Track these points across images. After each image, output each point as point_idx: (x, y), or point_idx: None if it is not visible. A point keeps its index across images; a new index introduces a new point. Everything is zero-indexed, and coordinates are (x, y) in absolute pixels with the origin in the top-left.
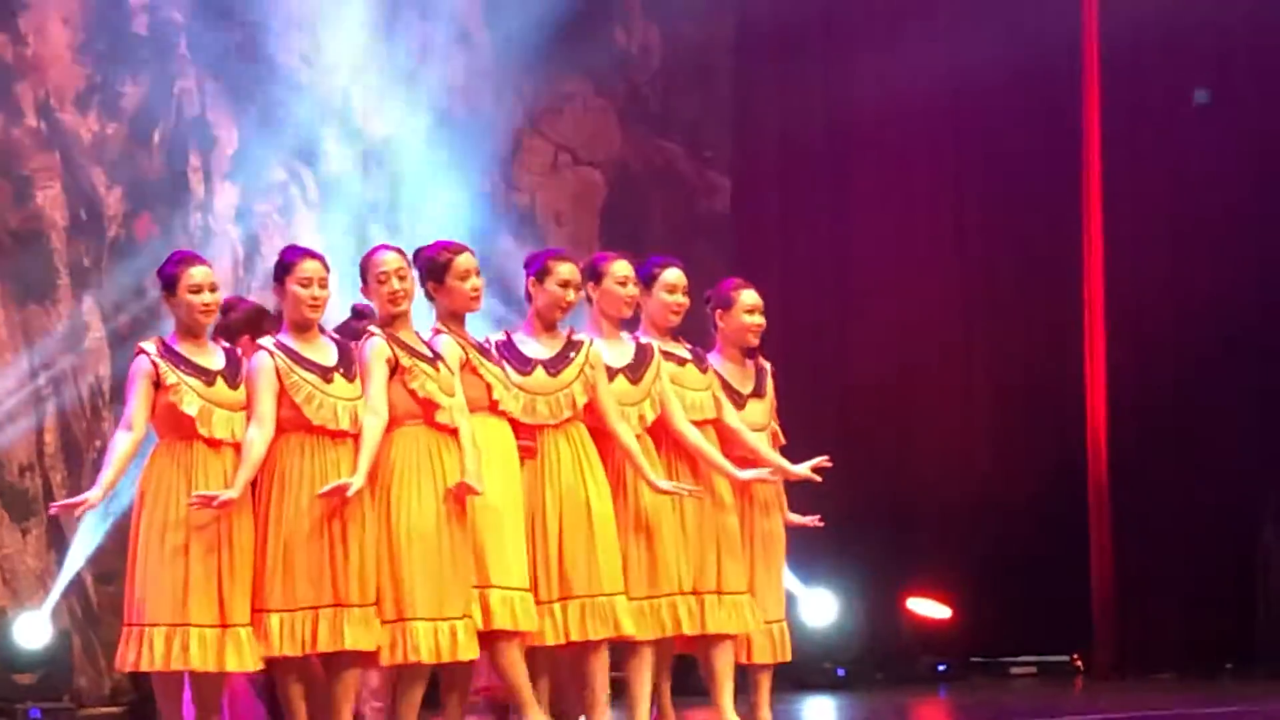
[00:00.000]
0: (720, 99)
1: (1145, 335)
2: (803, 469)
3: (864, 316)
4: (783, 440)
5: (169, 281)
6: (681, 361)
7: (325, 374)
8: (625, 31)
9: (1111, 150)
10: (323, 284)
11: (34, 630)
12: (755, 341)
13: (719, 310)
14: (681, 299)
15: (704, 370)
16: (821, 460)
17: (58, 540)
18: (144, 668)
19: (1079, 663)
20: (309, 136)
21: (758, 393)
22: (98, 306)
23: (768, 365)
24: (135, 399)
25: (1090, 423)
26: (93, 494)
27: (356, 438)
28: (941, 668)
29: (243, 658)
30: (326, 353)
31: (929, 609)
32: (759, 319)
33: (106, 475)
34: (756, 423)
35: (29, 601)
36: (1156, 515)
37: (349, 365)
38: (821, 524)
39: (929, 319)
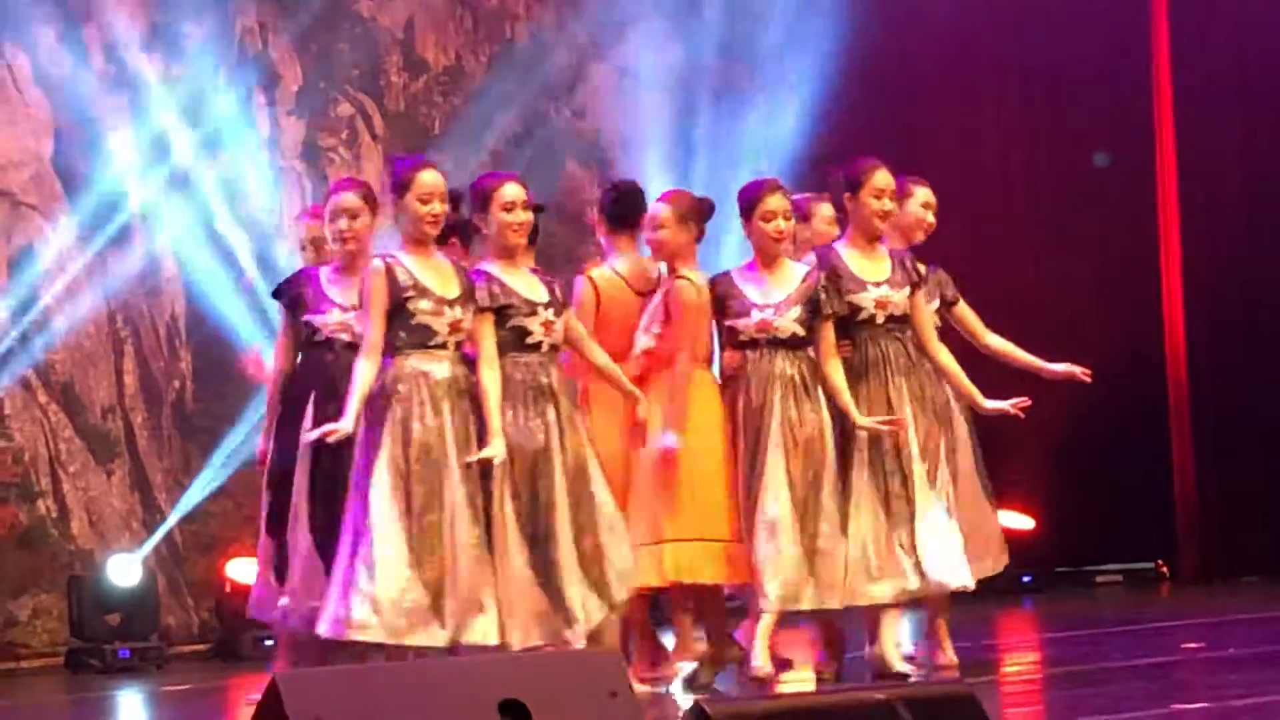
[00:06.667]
0: (784, 19)
1: (1221, 239)
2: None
3: (933, 235)
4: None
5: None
6: None
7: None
8: None
9: (1181, 57)
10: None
11: (122, 570)
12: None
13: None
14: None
15: None
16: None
17: (141, 481)
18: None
19: (1164, 569)
20: (372, 69)
21: None
22: (170, 246)
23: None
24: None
25: (1169, 328)
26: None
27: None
28: (1026, 579)
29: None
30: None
31: (1012, 520)
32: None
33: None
34: None
35: (115, 542)
36: (1238, 418)
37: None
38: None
39: (999, 236)
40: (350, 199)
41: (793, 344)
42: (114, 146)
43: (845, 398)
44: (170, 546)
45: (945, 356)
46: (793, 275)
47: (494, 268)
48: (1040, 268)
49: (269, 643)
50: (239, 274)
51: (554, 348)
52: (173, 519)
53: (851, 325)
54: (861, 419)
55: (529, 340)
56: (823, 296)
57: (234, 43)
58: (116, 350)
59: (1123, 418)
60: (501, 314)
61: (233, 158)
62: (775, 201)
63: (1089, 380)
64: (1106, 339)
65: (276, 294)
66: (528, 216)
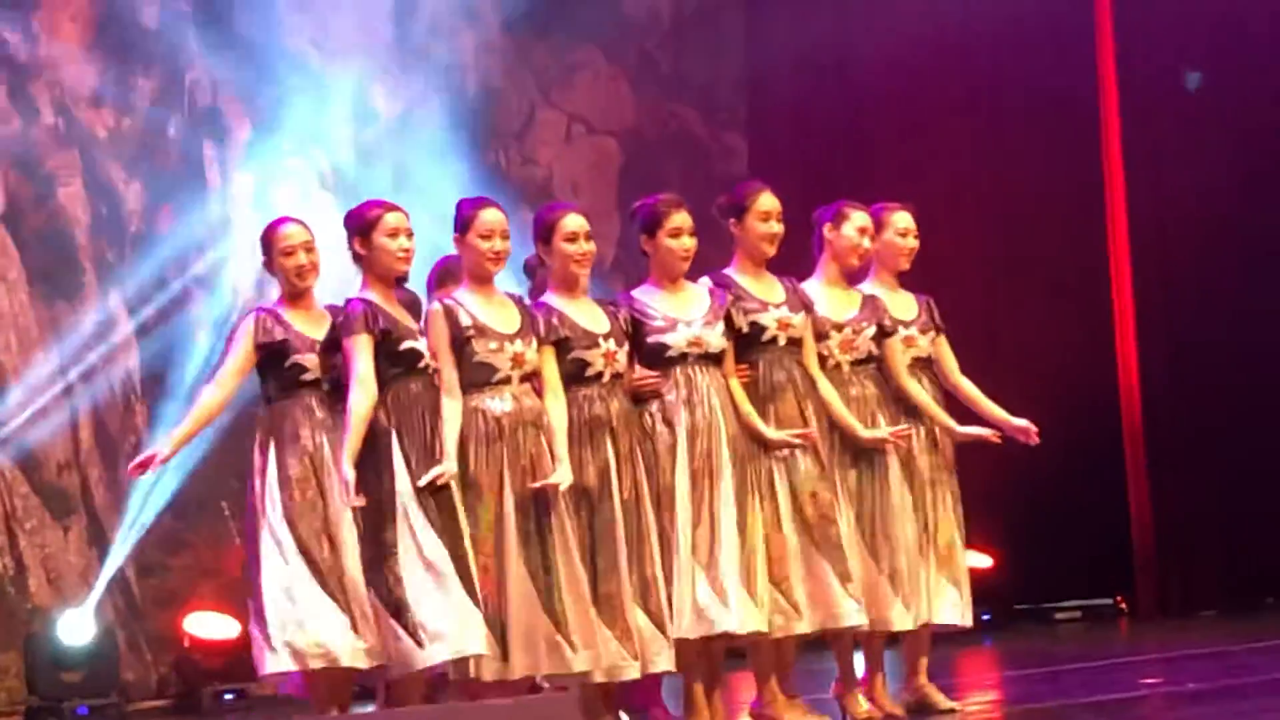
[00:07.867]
0: (732, 60)
1: (1172, 272)
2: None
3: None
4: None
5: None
6: None
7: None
8: None
9: (1129, 85)
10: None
11: (79, 627)
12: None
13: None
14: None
15: None
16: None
17: (98, 537)
18: None
19: (1123, 605)
20: (321, 120)
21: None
22: (123, 301)
23: None
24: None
25: (1122, 364)
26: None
27: None
28: (985, 616)
29: None
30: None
31: (970, 559)
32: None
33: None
34: None
35: (72, 599)
36: (1193, 454)
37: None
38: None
39: (952, 272)
40: (303, 232)
41: (719, 360)
42: (65, 201)
43: (753, 415)
44: (129, 601)
45: (824, 384)
46: (697, 292)
47: (555, 299)
48: (993, 307)
49: (228, 697)
50: (193, 326)
51: (616, 378)
52: (113, 566)
53: (755, 347)
54: (773, 433)
55: (589, 372)
56: (733, 313)
57: (183, 96)
58: (71, 405)
59: (1079, 455)
60: (561, 346)
61: (184, 211)
62: (682, 218)
63: (1035, 442)
64: (1061, 375)
65: (269, 341)
66: (590, 247)
